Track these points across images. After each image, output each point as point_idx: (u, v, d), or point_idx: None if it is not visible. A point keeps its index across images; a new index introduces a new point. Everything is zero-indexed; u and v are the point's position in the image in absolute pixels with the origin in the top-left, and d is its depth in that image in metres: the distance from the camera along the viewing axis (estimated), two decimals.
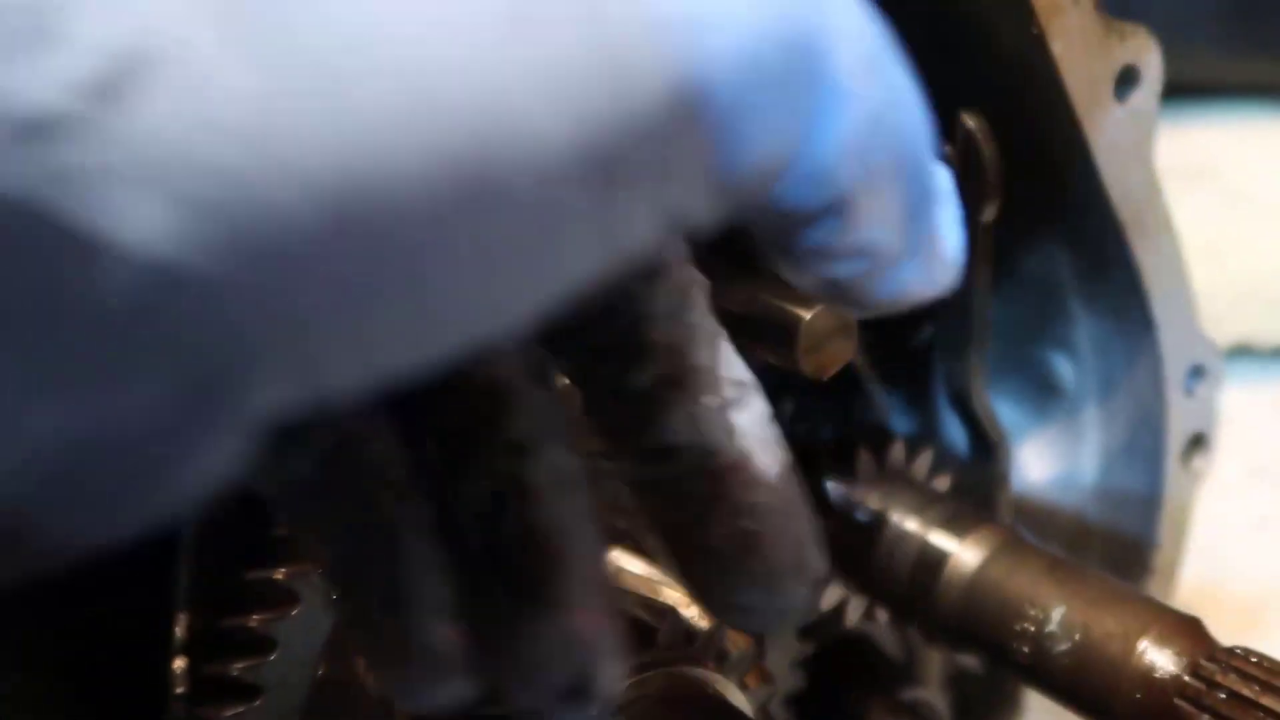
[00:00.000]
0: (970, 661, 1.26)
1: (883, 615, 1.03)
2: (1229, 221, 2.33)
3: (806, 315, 0.80)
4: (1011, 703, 1.25)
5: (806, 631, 1.00)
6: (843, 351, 0.82)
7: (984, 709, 1.24)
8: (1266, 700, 0.70)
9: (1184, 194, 2.61)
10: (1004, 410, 1.17)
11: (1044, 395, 1.21)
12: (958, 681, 1.23)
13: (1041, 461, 1.23)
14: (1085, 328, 1.15)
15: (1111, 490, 1.20)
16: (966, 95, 1.00)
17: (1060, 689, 0.81)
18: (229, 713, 0.75)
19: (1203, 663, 0.74)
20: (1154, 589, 1.20)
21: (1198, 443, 1.16)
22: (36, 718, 0.83)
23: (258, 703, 0.75)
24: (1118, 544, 1.21)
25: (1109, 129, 0.99)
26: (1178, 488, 1.17)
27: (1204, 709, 0.72)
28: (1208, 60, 2.74)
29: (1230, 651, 0.75)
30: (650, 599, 0.80)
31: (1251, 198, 2.42)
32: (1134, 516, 1.19)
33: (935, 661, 1.20)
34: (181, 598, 0.79)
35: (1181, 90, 2.94)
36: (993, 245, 1.00)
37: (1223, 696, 0.72)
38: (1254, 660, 0.73)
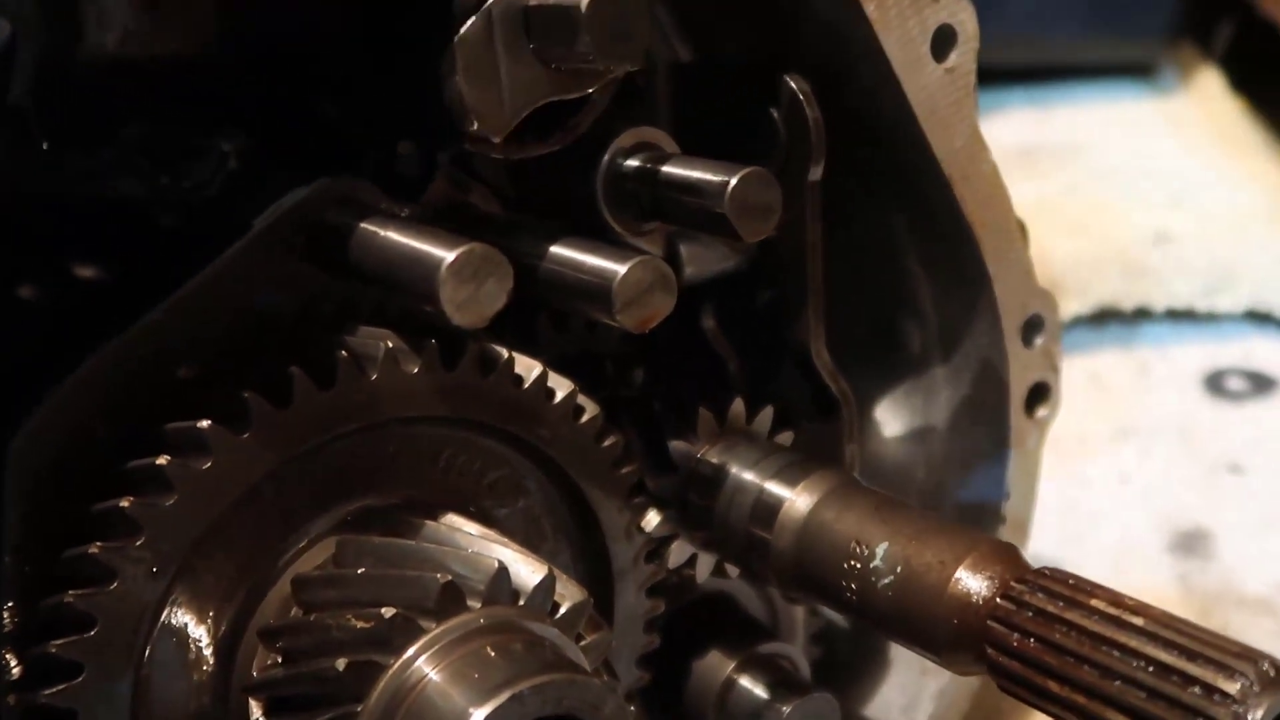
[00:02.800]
0: (837, 618, 1.29)
1: (734, 570, 1.05)
2: (1095, 194, 2.41)
3: (621, 270, 0.81)
4: (878, 657, 1.27)
5: (655, 590, 1.01)
6: (662, 304, 0.83)
7: (852, 663, 1.26)
8: (1070, 615, 0.73)
9: (1053, 170, 2.70)
10: (856, 371, 1.20)
11: (893, 355, 1.23)
12: (825, 637, 1.26)
13: (895, 419, 1.26)
14: (925, 286, 1.18)
15: (961, 445, 1.23)
16: (791, 59, 1.02)
17: (886, 622, 0.83)
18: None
19: (1013, 584, 0.76)
20: (1008, 538, 1.23)
21: (1040, 392, 1.20)
22: None
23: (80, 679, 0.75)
24: (971, 497, 1.24)
25: (929, 88, 1.02)
26: (1022, 437, 1.21)
27: (1014, 628, 0.75)
28: (1072, 43, 2.82)
29: (1039, 572, 0.77)
30: (479, 558, 0.81)
31: (1115, 172, 2.50)
32: (984, 470, 1.23)
33: (799, 618, 1.22)
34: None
35: (1049, 72, 3.04)
36: (820, 204, 1.03)
37: (1030, 615, 0.74)
38: (1060, 579, 0.76)
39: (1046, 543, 1.41)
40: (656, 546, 1.00)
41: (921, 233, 1.15)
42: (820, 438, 1.12)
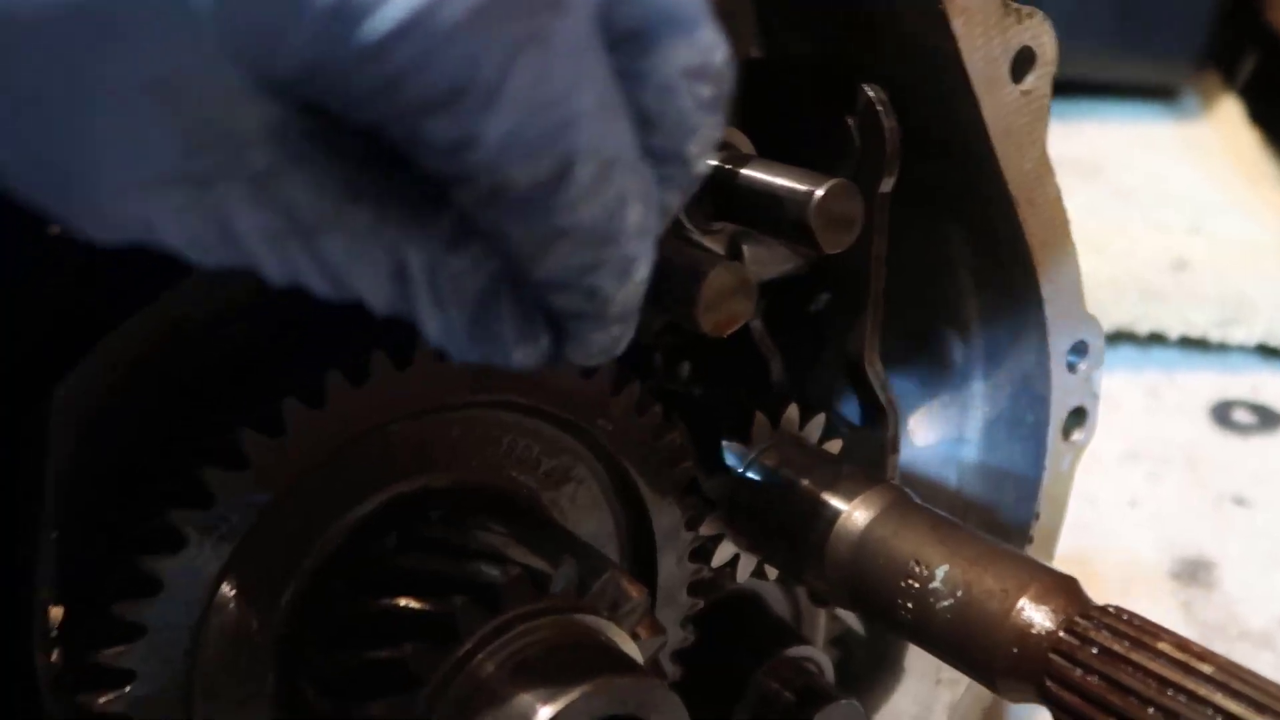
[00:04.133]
0: (854, 623, 1.29)
1: (772, 573, 1.05)
2: (1113, 215, 2.41)
3: (709, 272, 0.81)
4: (893, 665, 1.28)
5: (696, 588, 1.02)
6: (741, 310, 0.83)
7: (866, 670, 1.27)
8: (1136, 656, 0.73)
9: (1073, 188, 2.70)
10: (893, 381, 1.20)
11: (933, 368, 1.24)
12: (842, 642, 1.26)
13: (928, 430, 1.26)
14: (974, 303, 1.19)
15: (994, 461, 1.24)
16: (869, 67, 1.02)
17: (942, 644, 0.83)
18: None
19: (1077, 620, 0.77)
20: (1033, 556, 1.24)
21: (1078, 416, 1.20)
22: None
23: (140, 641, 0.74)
24: (999, 514, 1.25)
25: (1004, 109, 1.01)
26: (1057, 460, 1.21)
27: (1076, 663, 0.75)
28: (1100, 61, 2.82)
29: (1104, 610, 0.78)
30: (547, 549, 0.81)
31: (1134, 193, 2.50)
32: (1014, 487, 1.23)
33: (821, 621, 1.23)
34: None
35: (1073, 89, 3.04)
36: (888, 216, 1.02)
37: (1095, 651, 0.75)
38: (1125, 618, 0.76)
39: (1056, 561, 1.42)
40: (702, 545, 1.00)
41: (978, 250, 1.15)
42: (860, 445, 1.12)
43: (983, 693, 1.28)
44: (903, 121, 1.01)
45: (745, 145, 0.96)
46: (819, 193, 0.85)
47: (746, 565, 1.04)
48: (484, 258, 0.59)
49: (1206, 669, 0.71)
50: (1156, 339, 2.10)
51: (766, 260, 1.06)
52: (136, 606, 0.74)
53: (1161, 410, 1.99)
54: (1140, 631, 0.74)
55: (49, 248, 0.80)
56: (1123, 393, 2.02)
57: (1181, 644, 0.73)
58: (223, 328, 0.82)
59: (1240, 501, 1.79)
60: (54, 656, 0.80)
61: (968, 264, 1.16)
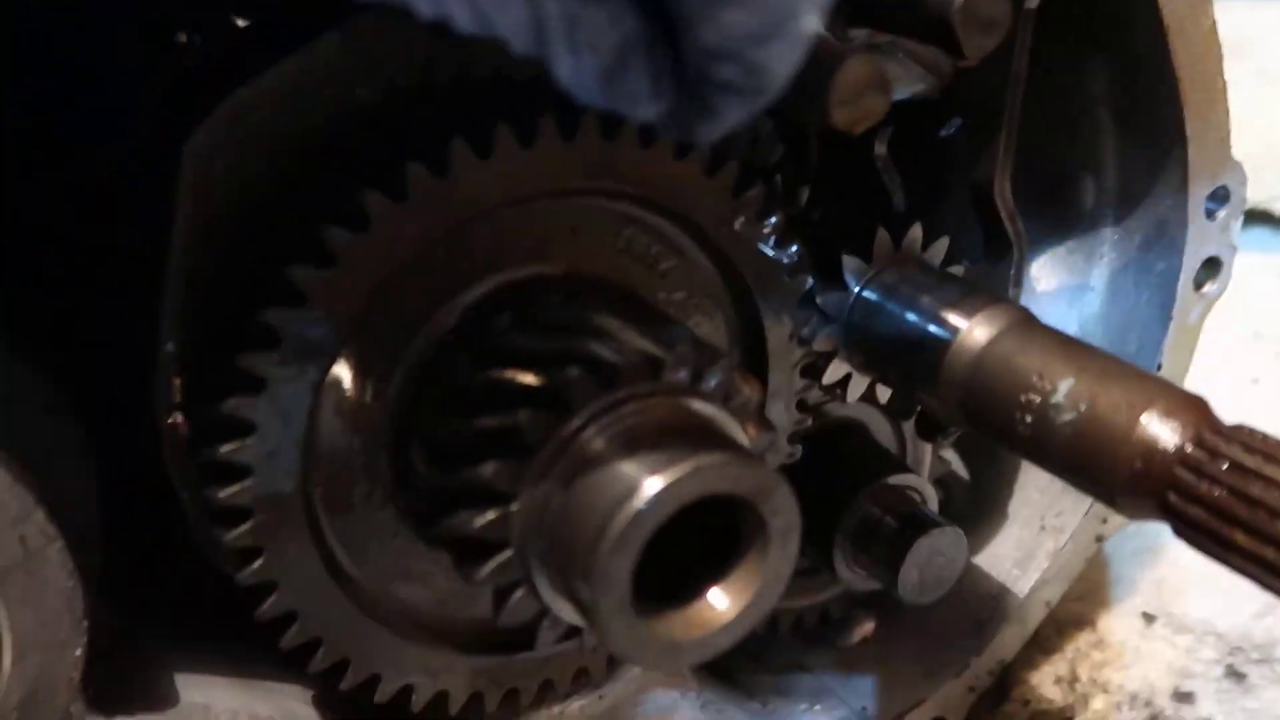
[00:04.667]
0: (958, 466, 1.28)
1: (883, 395, 1.04)
2: (1256, 96, 2.29)
3: (844, 62, 0.78)
4: (996, 509, 1.27)
5: (805, 405, 1.01)
6: (876, 106, 0.80)
7: (968, 512, 1.26)
8: (1269, 470, 0.71)
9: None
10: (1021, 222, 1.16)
11: (1062, 212, 1.19)
12: (944, 483, 1.25)
13: (1051, 277, 1.22)
14: (1112, 141, 1.14)
15: (1118, 310, 1.20)
16: None
17: (1060, 458, 0.82)
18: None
19: (1207, 435, 0.75)
20: None
21: (1211, 267, 1.16)
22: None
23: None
24: None
25: None
26: (1186, 311, 1.17)
27: (1204, 477, 0.73)
28: None
29: (1236, 427, 0.75)
30: (663, 336, 0.80)
31: (1277, 72, 2.38)
32: (1138, 338, 1.19)
33: (926, 458, 1.22)
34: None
35: None
36: (1032, 35, 0.98)
37: (1224, 467, 0.72)
38: (1259, 436, 0.74)
39: None
40: (813, 362, 0.99)
41: (1121, 83, 1.09)
42: (981, 280, 1.09)
43: (1085, 545, 1.26)
44: None
45: None
46: None
47: (858, 386, 1.03)
48: (622, 16, 0.58)
49: None
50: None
51: (900, 78, 1.02)
52: (259, 360, 0.75)
53: None
54: (1274, 448, 0.72)
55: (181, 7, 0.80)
56: (1253, 273, 1.94)
57: None
58: (345, 91, 0.81)
59: None
60: (177, 419, 0.83)
61: (1108, 99, 1.11)
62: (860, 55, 0.79)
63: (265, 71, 0.78)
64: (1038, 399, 0.82)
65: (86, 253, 0.92)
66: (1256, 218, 2.03)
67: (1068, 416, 0.80)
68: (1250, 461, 0.71)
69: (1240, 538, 0.70)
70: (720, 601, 0.77)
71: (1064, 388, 0.81)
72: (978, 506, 1.28)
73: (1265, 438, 0.74)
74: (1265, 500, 0.69)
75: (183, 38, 0.93)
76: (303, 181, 0.80)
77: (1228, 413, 1.78)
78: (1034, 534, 1.25)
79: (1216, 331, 1.81)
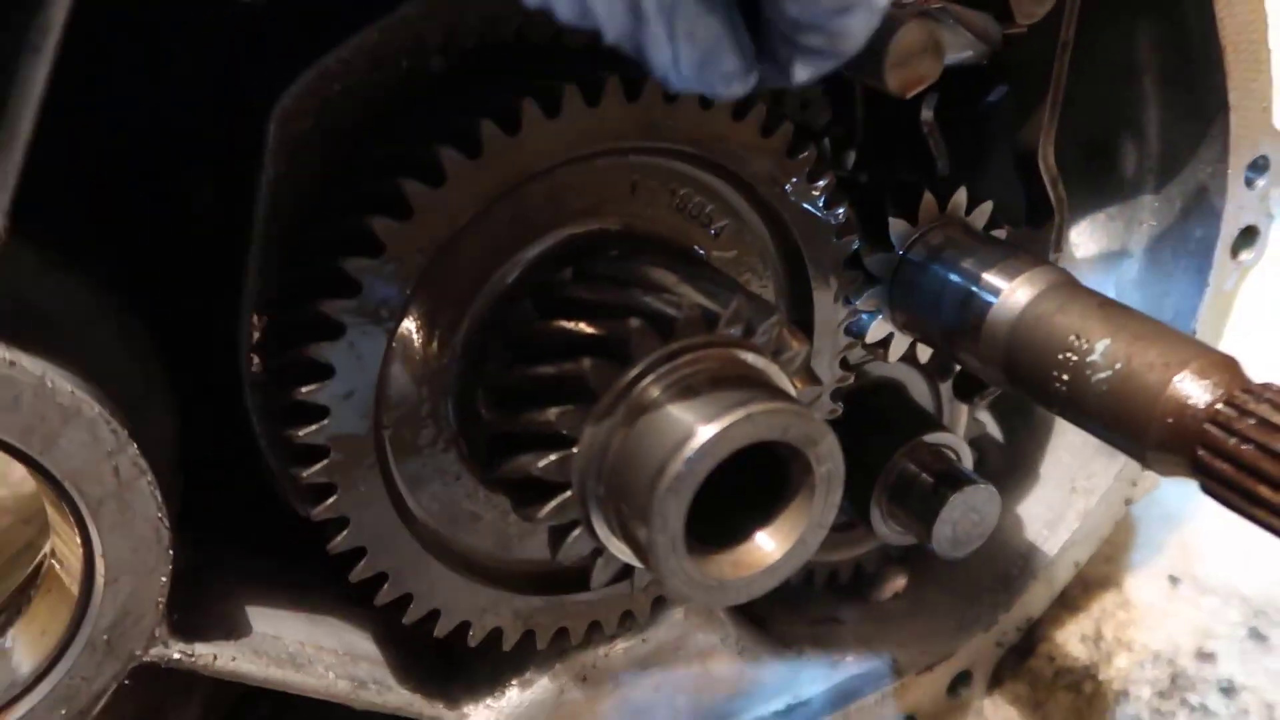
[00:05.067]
0: (992, 428, 1.31)
1: (924, 355, 1.07)
2: None
3: (899, 27, 0.81)
4: (1029, 470, 1.30)
5: (848, 363, 1.04)
6: (929, 70, 0.84)
7: (1001, 472, 1.29)
8: None
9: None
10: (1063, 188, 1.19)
11: (1103, 179, 1.22)
12: (978, 445, 1.29)
13: (1090, 242, 1.25)
14: (1155, 109, 1.16)
15: (1155, 276, 1.23)
16: None
17: (1094, 415, 0.85)
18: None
19: (1237, 393, 0.78)
20: None
21: (1249, 235, 1.18)
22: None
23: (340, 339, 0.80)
24: None
25: None
26: (1222, 278, 1.20)
27: (1233, 433, 0.76)
28: None
29: (1265, 385, 0.78)
30: (717, 291, 0.84)
31: None
32: (1174, 304, 1.22)
33: (962, 418, 1.25)
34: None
35: None
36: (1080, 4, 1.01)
37: (1253, 423, 0.76)
38: None
39: None
40: (857, 319, 1.03)
41: (1167, 51, 1.12)
42: (1023, 243, 1.12)
43: (1115, 507, 1.30)
44: None
45: None
46: None
47: (899, 345, 1.06)
48: (714, 3, 0.64)
49: None
50: None
51: (950, 43, 1.05)
52: (338, 306, 0.79)
53: None
54: None
55: None
56: None
57: None
58: (421, 58, 0.85)
59: None
60: (256, 362, 0.87)
61: (1152, 66, 1.14)
62: (916, 21, 0.82)
63: (347, 40, 0.82)
64: (1075, 358, 0.86)
65: (173, 201, 0.96)
66: None
67: (1103, 375, 0.84)
68: (1277, 418, 0.75)
69: (1266, 492, 0.74)
70: (767, 544, 0.81)
71: (1101, 347, 0.84)
72: (1010, 467, 1.32)
73: None
74: None
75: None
76: (379, 140, 0.84)
77: (1261, 371, 1.80)
78: (1064, 495, 1.28)
79: (1268, 295, 1.83)
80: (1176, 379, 0.80)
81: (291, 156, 0.83)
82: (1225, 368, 0.80)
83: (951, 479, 1.10)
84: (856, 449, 1.12)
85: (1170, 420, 0.79)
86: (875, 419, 1.14)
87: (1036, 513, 1.31)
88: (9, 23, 0.65)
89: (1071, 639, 1.37)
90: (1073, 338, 0.86)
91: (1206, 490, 0.79)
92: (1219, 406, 0.77)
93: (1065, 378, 0.86)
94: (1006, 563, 1.31)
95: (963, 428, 1.25)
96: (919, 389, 1.21)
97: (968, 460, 1.16)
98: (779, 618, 1.28)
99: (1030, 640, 1.36)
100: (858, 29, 0.65)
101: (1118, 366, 0.83)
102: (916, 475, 1.11)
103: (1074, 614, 1.39)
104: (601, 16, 0.62)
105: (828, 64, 0.68)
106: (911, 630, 1.31)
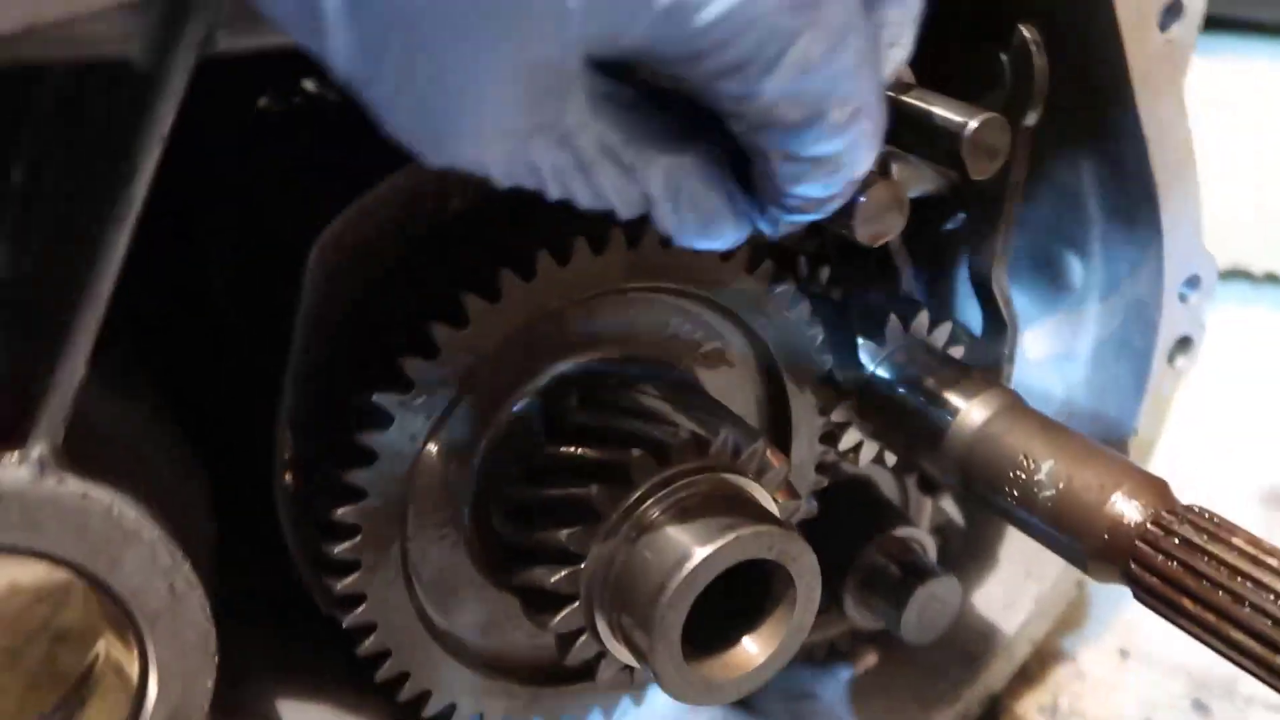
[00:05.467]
0: (955, 514, 1.42)
1: (890, 460, 1.18)
2: (1239, 152, 2.44)
3: (869, 188, 0.92)
4: (988, 555, 1.41)
5: (822, 467, 1.15)
6: (894, 224, 0.94)
7: (963, 557, 1.40)
8: (1212, 547, 0.85)
9: (1212, 121, 2.70)
10: (1015, 297, 1.31)
11: (1052, 288, 1.34)
12: (942, 531, 1.39)
13: (1041, 344, 1.36)
14: (1099, 230, 1.28)
15: (1100, 379, 1.34)
16: (1027, 8, 1.11)
17: (1041, 529, 0.95)
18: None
19: (1164, 514, 0.88)
20: None
21: (1184, 345, 1.30)
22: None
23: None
24: (1100, 427, 1.35)
25: (1149, 55, 1.10)
26: (1160, 383, 1.31)
27: (1159, 551, 0.87)
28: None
29: (1188, 508, 0.89)
30: (707, 418, 0.94)
31: (1262, 131, 2.52)
32: (1117, 405, 1.33)
33: (927, 510, 1.36)
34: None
35: (1220, 25, 3.00)
36: (1030, 147, 1.12)
37: (1176, 542, 0.86)
38: (1207, 516, 0.88)
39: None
40: (831, 430, 1.13)
41: (1108, 183, 1.23)
42: (978, 354, 1.24)
43: (1067, 588, 1.40)
44: (1052, 60, 1.10)
45: (907, 74, 1.06)
46: (972, 124, 0.95)
47: (869, 451, 1.17)
48: (716, 183, 0.76)
49: (1274, 561, 0.82)
50: (1272, 279, 2.16)
51: (912, 179, 1.16)
52: (371, 437, 0.89)
53: (1269, 346, 2.06)
54: (1218, 528, 0.86)
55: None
56: (1232, 327, 2.08)
57: (1253, 540, 0.85)
58: (442, 202, 0.96)
59: None
60: (290, 480, 0.97)
61: (1096, 194, 1.25)
62: (883, 182, 0.93)
63: (381, 182, 0.92)
64: (1024, 476, 0.96)
65: (214, 330, 1.06)
66: (1235, 274, 2.17)
67: (1049, 493, 0.94)
68: (1198, 539, 0.85)
69: (1189, 605, 0.84)
70: (753, 648, 0.91)
71: (1046, 467, 0.95)
72: (972, 551, 1.42)
73: (1213, 517, 0.88)
74: (1209, 574, 0.83)
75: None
76: (406, 279, 0.94)
77: (1208, 449, 1.91)
78: (1020, 578, 1.39)
79: (1197, 381, 1.95)
80: (1111, 500, 0.90)
81: (327, 289, 0.93)
82: (1154, 489, 0.91)
83: (917, 571, 1.20)
84: (831, 541, 1.24)
85: (1106, 536, 0.90)
86: (848, 514, 1.25)
87: (996, 594, 1.41)
88: (97, 193, 0.73)
89: (1031, 710, 1.48)
90: (1021, 457, 0.97)
91: (1138, 598, 0.89)
92: (1148, 526, 0.88)
93: (1015, 493, 0.97)
94: (969, 641, 1.41)
95: (927, 517, 1.35)
96: (888, 484, 1.32)
97: (932, 552, 1.27)
98: (760, 694, 1.37)
99: (993, 712, 1.46)
100: (840, 200, 0.79)
101: (1060, 485, 0.94)
102: (885, 567, 1.22)
103: (1032, 687, 1.49)
104: (616, 202, 0.74)
105: (809, 220, 0.80)
106: (882, 705, 1.41)
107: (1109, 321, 1.32)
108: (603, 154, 0.70)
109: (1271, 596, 0.81)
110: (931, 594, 1.19)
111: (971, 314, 1.25)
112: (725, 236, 0.80)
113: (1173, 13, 1.08)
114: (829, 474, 1.21)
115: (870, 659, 1.44)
